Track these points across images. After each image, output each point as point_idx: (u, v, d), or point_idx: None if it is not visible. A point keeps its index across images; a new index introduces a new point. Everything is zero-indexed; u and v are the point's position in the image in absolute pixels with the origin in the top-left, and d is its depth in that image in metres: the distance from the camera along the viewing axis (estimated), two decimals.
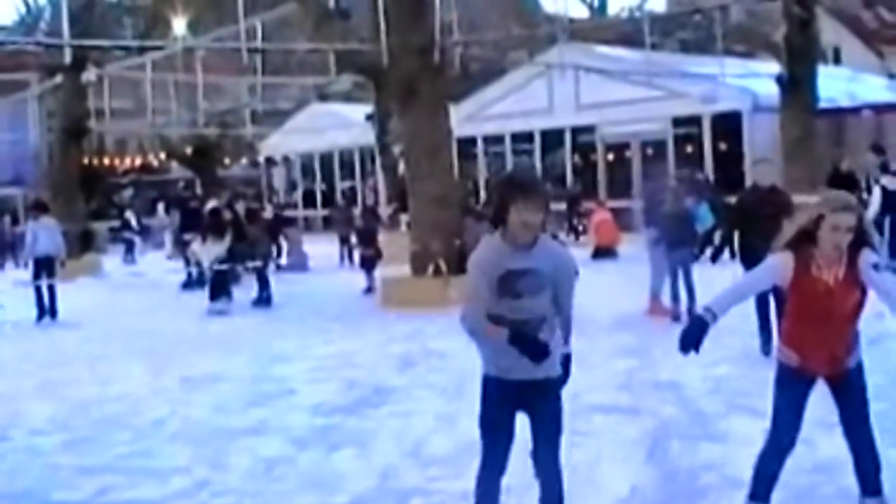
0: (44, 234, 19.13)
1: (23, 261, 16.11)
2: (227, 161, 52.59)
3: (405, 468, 7.98)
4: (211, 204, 21.07)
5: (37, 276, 18.87)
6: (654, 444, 8.18)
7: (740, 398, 9.43)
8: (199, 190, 40.84)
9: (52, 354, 14.76)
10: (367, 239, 21.67)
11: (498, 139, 35.18)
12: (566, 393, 5.63)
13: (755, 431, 8.21)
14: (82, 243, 29.52)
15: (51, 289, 18.78)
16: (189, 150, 50.12)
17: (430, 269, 17.78)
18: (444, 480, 7.60)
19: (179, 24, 41.39)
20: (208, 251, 19.38)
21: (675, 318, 14.23)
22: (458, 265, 17.80)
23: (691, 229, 15.21)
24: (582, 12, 52.95)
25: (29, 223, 20.50)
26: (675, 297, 14.53)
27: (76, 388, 11.93)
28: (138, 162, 52.64)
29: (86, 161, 38.98)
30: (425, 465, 8.02)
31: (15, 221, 45.05)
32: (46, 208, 20.50)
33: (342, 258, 27.45)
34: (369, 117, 33.65)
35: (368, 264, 20.92)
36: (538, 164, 33.48)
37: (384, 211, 32.40)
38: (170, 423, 9.84)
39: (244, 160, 52.41)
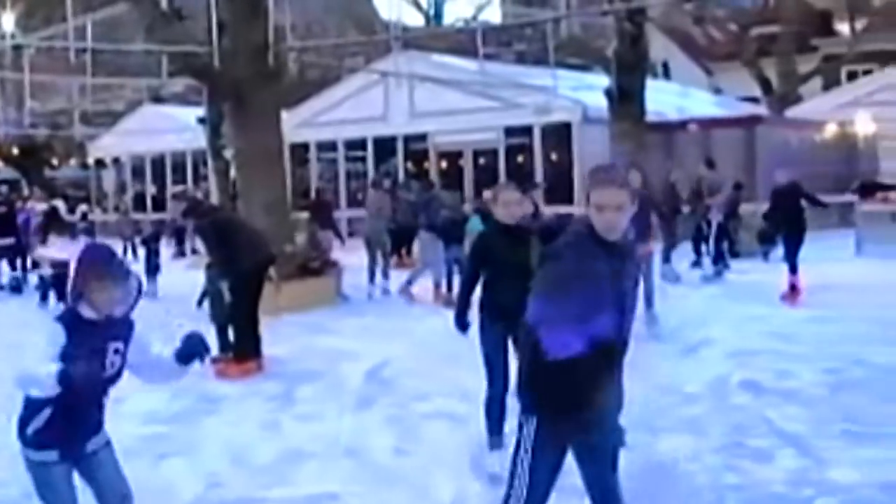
0: None
1: None
2: (55, 162, 51.40)
3: (232, 476, 7.99)
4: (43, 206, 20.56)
5: None
6: None
7: None
8: (25, 191, 39.70)
9: None
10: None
11: (331, 146, 35.13)
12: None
13: None
14: None
15: None
16: (15, 151, 48.89)
17: None
18: (272, 488, 7.63)
19: (8, 20, 40.28)
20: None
21: (448, 303, 15.76)
22: (288, 271, 17.69)
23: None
24: (418, 20, 53.28)
25: None
26: (450, 286, 17.36)
27: None
28: None
29: None
30: (252, 474, 8.04)
31: None
32: None
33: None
34: (201, 120, 33.21)
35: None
36: (370, 171, 33.56)
37: None
38: None
39: (73, 162, 51.24)
